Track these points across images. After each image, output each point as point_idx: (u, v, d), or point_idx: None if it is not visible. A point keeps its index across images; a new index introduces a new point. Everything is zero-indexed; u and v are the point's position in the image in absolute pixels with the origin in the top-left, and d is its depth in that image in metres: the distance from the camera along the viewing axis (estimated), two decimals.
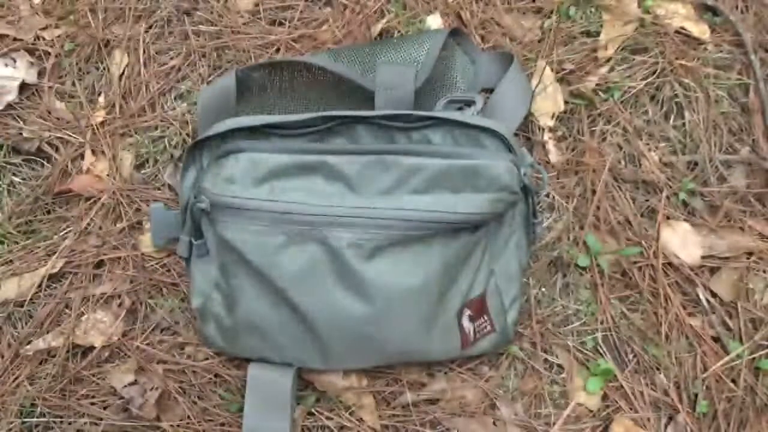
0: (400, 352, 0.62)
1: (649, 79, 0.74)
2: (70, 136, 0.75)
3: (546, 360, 0.69)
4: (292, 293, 0.59)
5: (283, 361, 0.64)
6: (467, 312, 0.63)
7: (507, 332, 0.65)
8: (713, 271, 0.70)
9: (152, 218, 0.69)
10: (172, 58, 0.78)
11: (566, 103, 0.73)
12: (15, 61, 0.78)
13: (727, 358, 0.67)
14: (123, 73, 0.77)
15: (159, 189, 0.73)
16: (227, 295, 0.63)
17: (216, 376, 0.69)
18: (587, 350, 0.69)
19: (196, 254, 0.64)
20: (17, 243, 0.73)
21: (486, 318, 0.64)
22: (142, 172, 0.74)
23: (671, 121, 0.74)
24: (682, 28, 0.75)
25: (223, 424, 0.67)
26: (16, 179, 0.75)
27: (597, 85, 0.74)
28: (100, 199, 0.73)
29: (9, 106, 0.77)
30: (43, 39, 0.79)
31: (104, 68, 0.78)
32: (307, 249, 0.58)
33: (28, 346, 0.70)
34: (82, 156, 0.75)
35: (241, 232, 0.59)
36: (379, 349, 0.61)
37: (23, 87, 0.77)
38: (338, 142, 0.61)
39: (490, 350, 0.66)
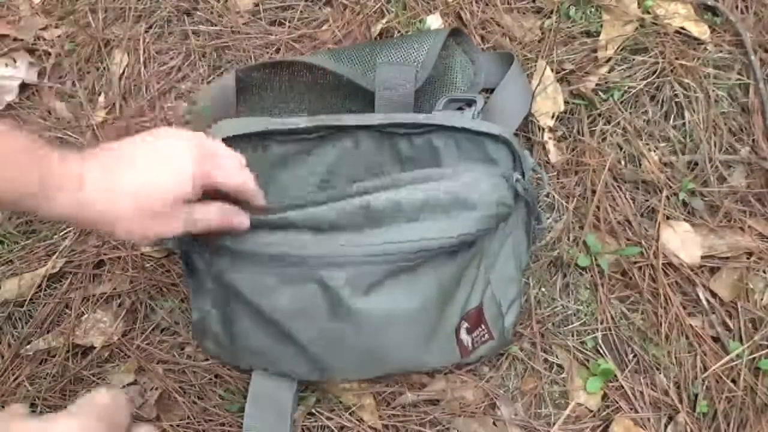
0: (399, 368, 0.62)
1: (649, 79, 0.74)
2: (70, 136, 0.75)
3: (546, 360, 0.69)
4: (287, 325, 0.58)
5: (282, 374, 0.64)
6: (465, 325, 0.62)
7: (505, 335, 0.65)
8: (713, 271, 0.70)
9: None
10: (172, 58, 0.78)
11: (566, 103, 0.73)
12: (15, 61, 0.78)
13: (727, 358, 0.67)
14: (123, 73, 0.77)
15: None
16: (224, 315, 0.62)
17: (216, 376, 0.68)
18: (587, 350, 0.69)
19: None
20: (17, 243, 0.73)
21: (483, 327, 0.63)
22: None
23: (671, 121, 0.74)
24: (682, 28, 0.75)
25: (223, 424, 0.67)
26: None
27: (597, 85, 0.74)
28: None
29: (9, 106, 0.77)
30: (43, 39, 0.79)
31: (104, 68, 0.78)
32: (302, 288, 0.57)
33: (28, 346, 0.70)
34: None
35: (236, 272, 0.58)
36: (377, 366, 0.61)
37: (23, 87, 0.77)
38: (342, 145, 0.61)
39: (490, 355, 0.66)
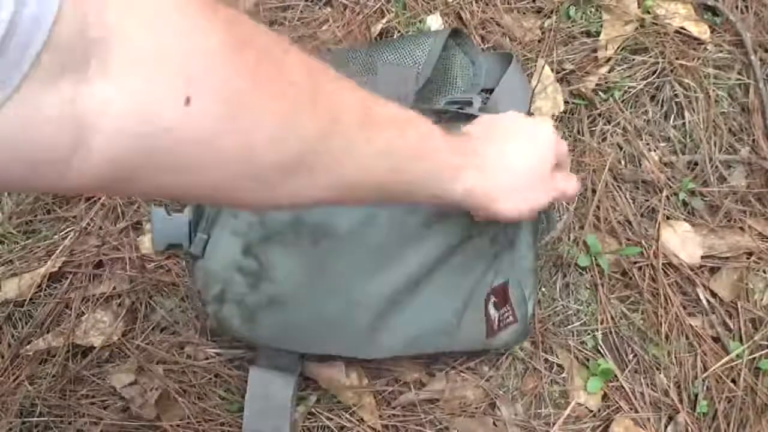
0: (428, 332, 0.62)
1: (649, 79, 0.74)
2: None
3: (546, 360, 0.69)
4: (333, 256, 0.59)
5: (299, 346, 0.63)
6: (493, 299, 0.63)
7: (526, 324, 0.65)
8: (713, 271, 0.70)
9: (153, 224, 0.69)
10: None
11: (566, 103, 0.73)
12: None
13: (727, 358, 0.67)
14: None
15: None
16: (253, 272, 0.61)
17: (216, 376, 0.68)
18: (587, 350, 0.69)
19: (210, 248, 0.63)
20: (17, 243, 0.73)
21: (509, 307, 0.64)
22: None
23: (671, 121, 0.74)
24: (682, 28, 0.75)
25: (223, 424, 0.67)
26: None
27: (597, 85, 0.74)
28: (100, 199, 0.73)
29: None
30: None
31: None
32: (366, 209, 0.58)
33: (28, 346, 0.70)
34: None
35: None
36: (405, 330, 0.61)
37: None
38: None
39: (512, 343, 0.66)
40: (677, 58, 0.74)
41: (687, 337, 0.68)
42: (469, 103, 0.64)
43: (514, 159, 0.47)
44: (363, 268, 0.60)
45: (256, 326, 0.63)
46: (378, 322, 0.61)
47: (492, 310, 0.63)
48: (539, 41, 0.76)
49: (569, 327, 0.69)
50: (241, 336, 0.66)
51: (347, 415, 0.67)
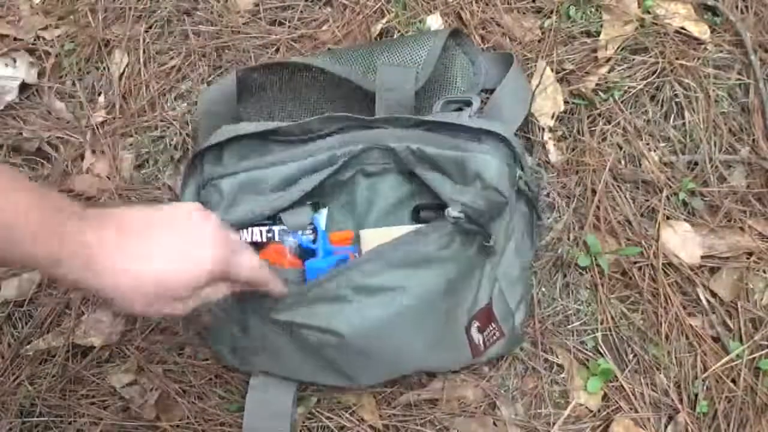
0: (411, 368, 0.62)
1: (649, 79, 0.74)
2: (70, 136, 0.75)
3: (546, 360, 0.69)
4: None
5: (293, 376, 0.63)
6: (475, 324, 0.62)
7: (516, 333, 0.65)
8: (713, 271, 0.70)
9: None
10: (172, 58, 0.78)
11: (566, 103, 0.73)
12: (15, 61, 0.78)
13: (727, 358, 0.67)
14: (123, 73, 0.77)
15: (159, 189, 0.73)
16: (240, 317, 0.61)
17: (216, 376, 0.68)
18: (587, 350, 0.69)
19: None
20: None
21: (494, 326, 0.63)
22: (142, 172, 0.74)
23: (671, 121, 0.74)
24: (682, 28, 0.75)
25: (222, 424, 0.67)
26: None
27: (597, 85, 0.74)
28: (100, 199, 0.73)
29: (9, 106, 0.77)
30: (43, 39, 0.79)
31: (104, 68, 0.78)
32: None
33: (28, 346, 0.70)
34: (82, 156, 0.75)
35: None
36: (391, 366, 0.61)
37: (23, 87, 0.77)
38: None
39: (503, 353, 0.66)
40: (677, 58, 0.74)
41: (687, 337, 0.68)
42: (469, 103, 0.64)
43: (153, 273, 0.44)
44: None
45: (248, 365, 0.64)
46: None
47: (475, 334, 0.62)
48: (539, 41, 0.76)
49: (569, 327, 0.69)
50: (234, 368, 0.66)
51: (347, 415, 0.67)
